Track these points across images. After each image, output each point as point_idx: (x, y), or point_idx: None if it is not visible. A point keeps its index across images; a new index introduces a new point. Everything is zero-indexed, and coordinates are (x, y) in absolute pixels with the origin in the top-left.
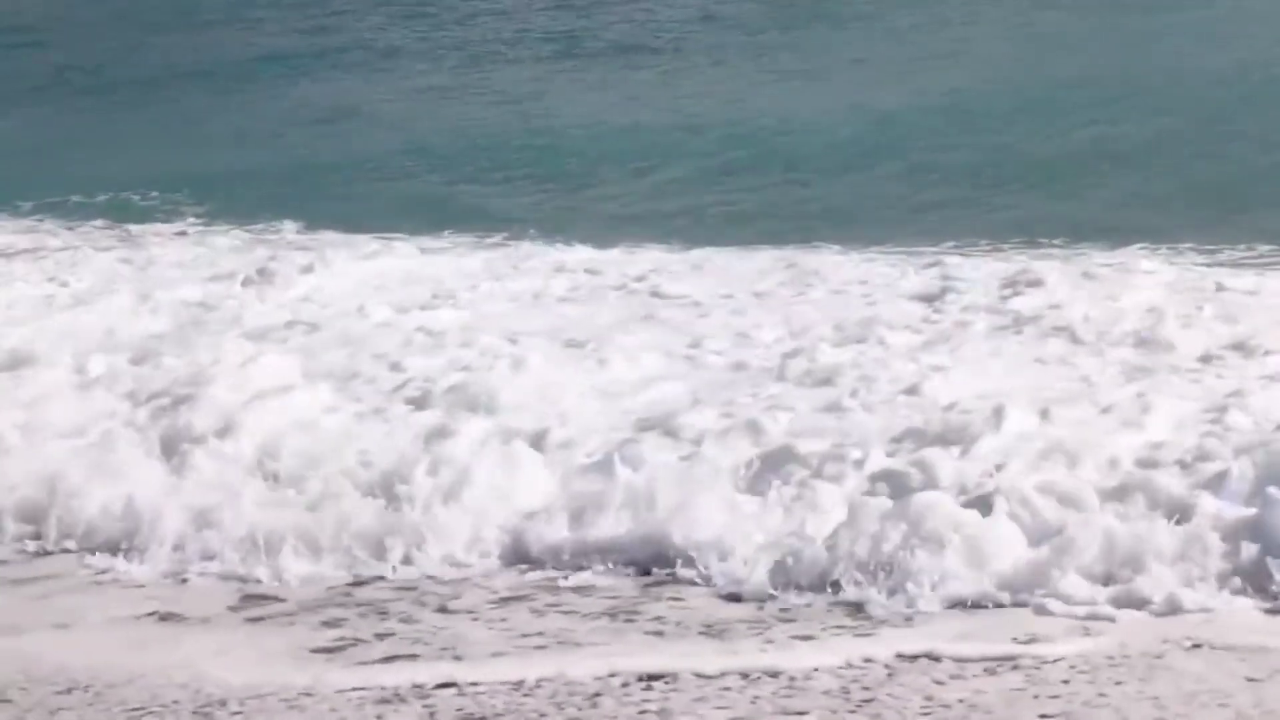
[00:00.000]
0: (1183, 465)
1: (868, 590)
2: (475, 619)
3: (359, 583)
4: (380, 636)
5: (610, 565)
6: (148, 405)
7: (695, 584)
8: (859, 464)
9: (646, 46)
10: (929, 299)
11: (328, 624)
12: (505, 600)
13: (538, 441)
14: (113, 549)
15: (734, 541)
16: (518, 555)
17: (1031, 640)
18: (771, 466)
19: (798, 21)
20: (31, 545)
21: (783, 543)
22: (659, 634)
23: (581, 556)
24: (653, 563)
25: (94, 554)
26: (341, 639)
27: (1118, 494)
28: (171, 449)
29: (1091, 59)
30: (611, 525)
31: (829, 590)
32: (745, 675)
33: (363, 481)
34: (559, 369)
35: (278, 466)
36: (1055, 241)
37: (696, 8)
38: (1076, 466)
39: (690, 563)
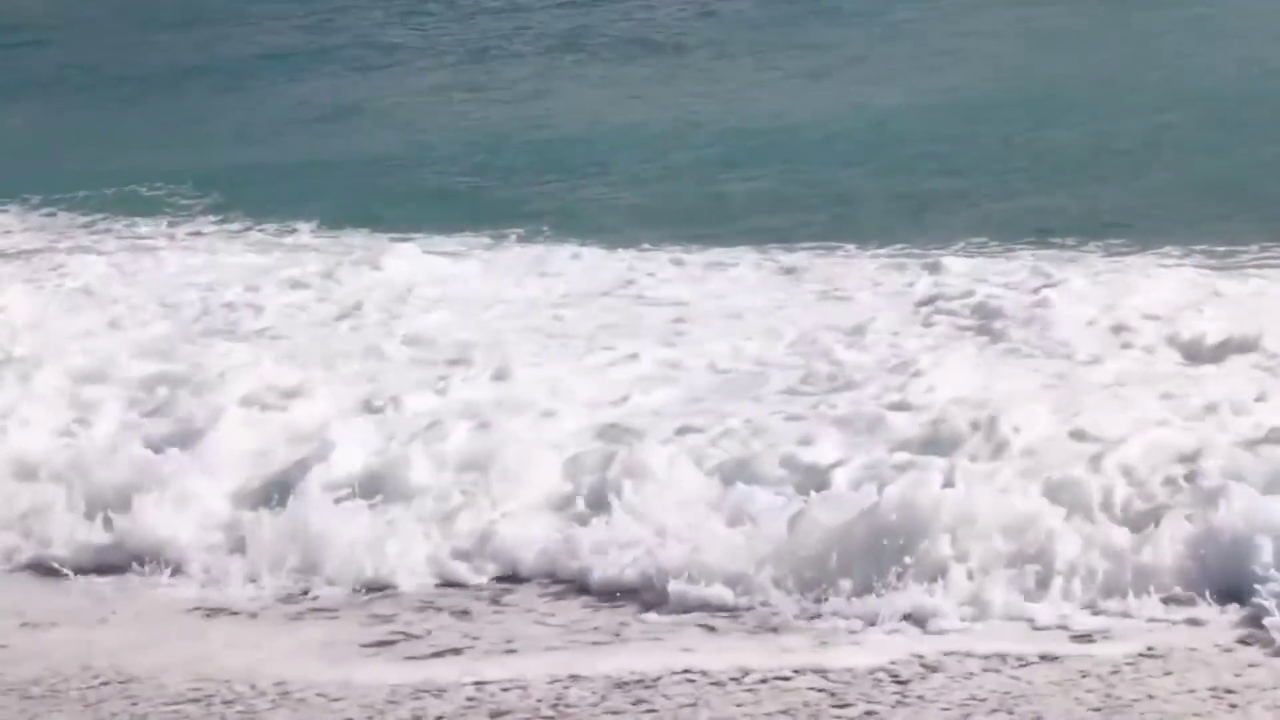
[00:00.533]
0: (1195, 466)
1: (884, 594)
2: (529, 613)
3: (409, 579)
4: (430, 632)
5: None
6: (141, 409)
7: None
8: (861, 470)
9: (648, 43)
10: (930, 300)
11: (377, 620)
12: (560, 596)
13: (521, 450)
14: (113, 556)
15: (725, 558)
16: (494, 569)
17: (1070, 638)
18: (766, 475)
19: (798, 18)
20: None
21: (784, 552)
22: (711, 629)
23: (556, 574)
24: (638, 584)
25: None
26: (391, 634)
27: (1132, 497)
28: (167, 453)
29: (1095, 56)
30: (591, 545)
31: (845, 597)
32: (790, 671)
33: (347, 487)
34: (552, 374)
35: (271, 471)
36: (1061, 241)
37: (697, 4)
38: (1085, 469)
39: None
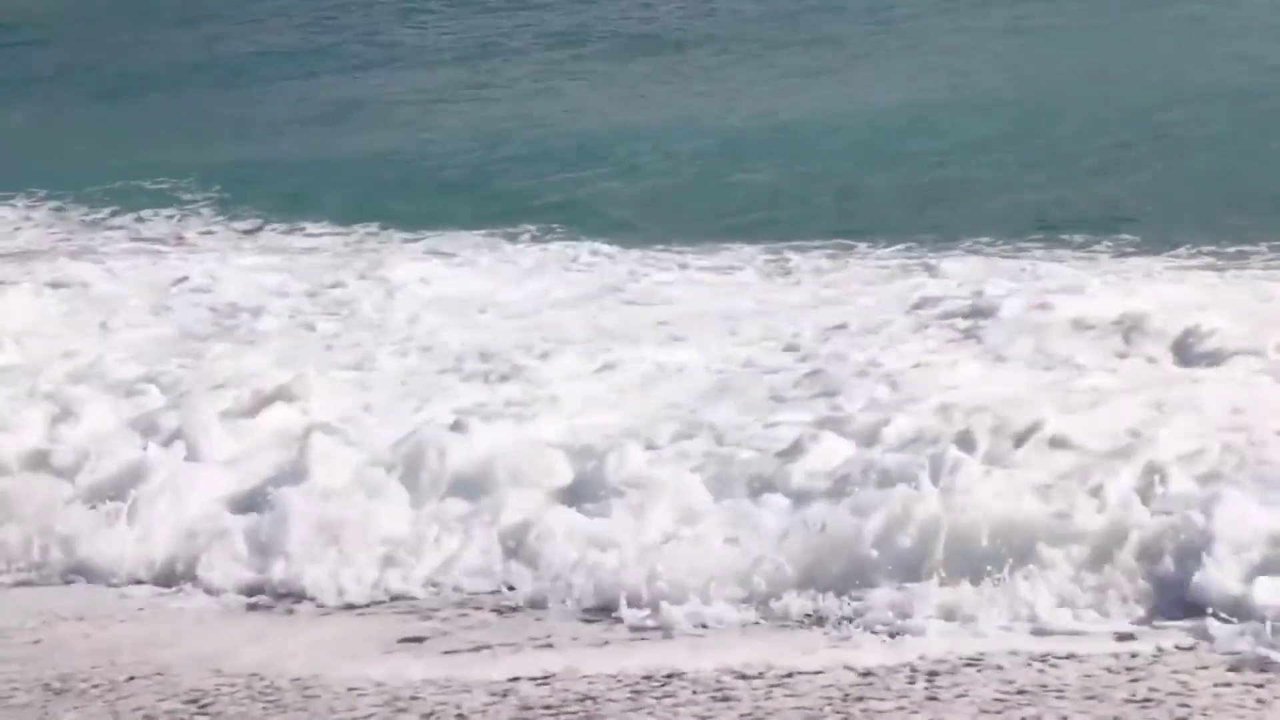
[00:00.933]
0: (1199, 472)
1: (909, 594)
2: (570, 610)
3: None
4: (469, 629)
5: (565, 603)
6: (137, 412)
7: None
8: (864, 474)
9: (649, 39)
10: (932, 302)
11: (417, 615)
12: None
13: (513, 459)
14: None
15: (738, 561)
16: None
17: (1094, 637)
18: (769, 480)
19: (799, 15)
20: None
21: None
22: (742, 627)
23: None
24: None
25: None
26: (429, 631)
27: (1144, 500)
28: (161, 458)
29: (1096, 53)
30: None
31: (867, 597)
32: (819, 668)
33: (332, 495)
34: (549, 377)
35: (264, 476)
36: (1067, 239)
37: (698, 0)
38: (1095, 472)
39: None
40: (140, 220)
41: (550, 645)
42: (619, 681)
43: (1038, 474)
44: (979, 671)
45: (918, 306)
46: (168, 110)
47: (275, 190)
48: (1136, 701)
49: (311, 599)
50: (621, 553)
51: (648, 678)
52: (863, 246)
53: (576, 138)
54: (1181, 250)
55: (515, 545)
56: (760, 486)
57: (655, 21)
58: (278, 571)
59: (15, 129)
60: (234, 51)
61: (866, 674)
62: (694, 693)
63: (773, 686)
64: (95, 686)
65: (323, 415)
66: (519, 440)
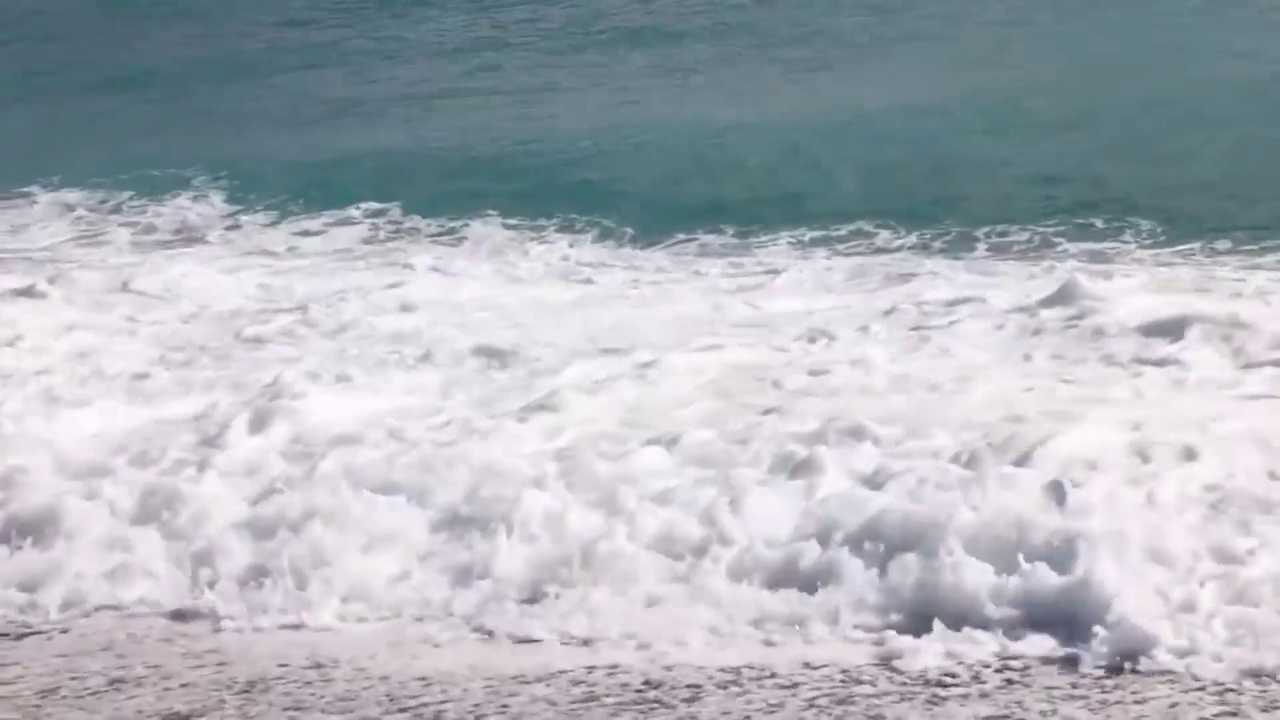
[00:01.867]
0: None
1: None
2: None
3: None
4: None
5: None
6: (141, 413)
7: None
8: (870, 479)
9: (650, 33)
10: (943, 306)
11: (456, 618)
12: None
13: (508, 478)
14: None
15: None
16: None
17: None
18: (768, 486)
19: (798, 7)
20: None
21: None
22: (795, 626)
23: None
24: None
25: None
26: (480, 626)
27: (1161, 504)
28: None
29: (1098, 46)
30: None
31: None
32: (889, 670)
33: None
34: (550, 384)
35: (265, 481)
36: (1082, 237)
37: None
38: (1117, 482)
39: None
40: (145, 218)
41: (632, 638)
42: (682, 672)
43: (1040, 480)
44: (1042, 673)
45: (932, 311)
46: (171, 106)
47: (276, 188)
48: (1191, 690)
49: (346, 602)
50: (640, 556)
51: (721, 671)
52: (868, 244)
53: (577, 135)
54: (1196, 248)
55: (525, 549)
56: (763, 490)
57: (655, 14)
58: (306, 575)
59: (19, 125)
60: (235, 47)
61: (923, 672)
62: (762, 683)
63: (841, 682)
64: (145, 678)
65: (322, 421)
66: (519, 445)
